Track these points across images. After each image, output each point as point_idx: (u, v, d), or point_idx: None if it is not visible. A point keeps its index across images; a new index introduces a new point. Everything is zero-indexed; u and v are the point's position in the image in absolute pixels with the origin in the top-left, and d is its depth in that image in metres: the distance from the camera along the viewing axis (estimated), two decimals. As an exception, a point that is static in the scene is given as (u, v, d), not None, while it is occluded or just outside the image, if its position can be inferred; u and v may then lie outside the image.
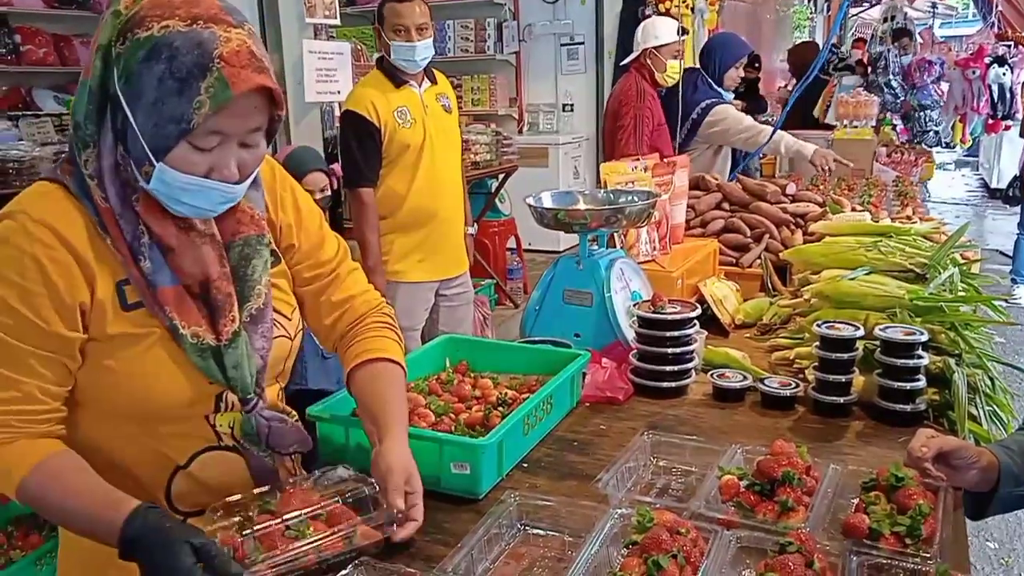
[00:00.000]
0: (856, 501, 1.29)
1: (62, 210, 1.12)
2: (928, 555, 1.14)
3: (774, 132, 3.91)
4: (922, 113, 6.73)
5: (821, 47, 8.47)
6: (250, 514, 1.15)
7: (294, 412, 1.41)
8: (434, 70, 3.23)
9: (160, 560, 1.02)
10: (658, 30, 3.90)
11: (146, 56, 1.04)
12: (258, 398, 1.26)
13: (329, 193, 2.99)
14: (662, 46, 3.87)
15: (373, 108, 2.99)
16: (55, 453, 1.13)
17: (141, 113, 1.07)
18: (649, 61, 3.88)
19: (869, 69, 6.62)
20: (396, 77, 3.07)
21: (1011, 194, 10.95)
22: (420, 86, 3.12)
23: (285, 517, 1.14)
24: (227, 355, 1.19)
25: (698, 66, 4.35)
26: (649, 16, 4.93)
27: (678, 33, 3.90)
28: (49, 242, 1.09)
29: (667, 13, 6.22)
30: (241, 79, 1.05)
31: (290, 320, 1.33)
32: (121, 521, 1.05)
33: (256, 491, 1.22)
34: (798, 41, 10.73)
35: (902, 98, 6.47)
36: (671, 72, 3.87)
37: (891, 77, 6.31)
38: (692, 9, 6.15)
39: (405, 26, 3.00)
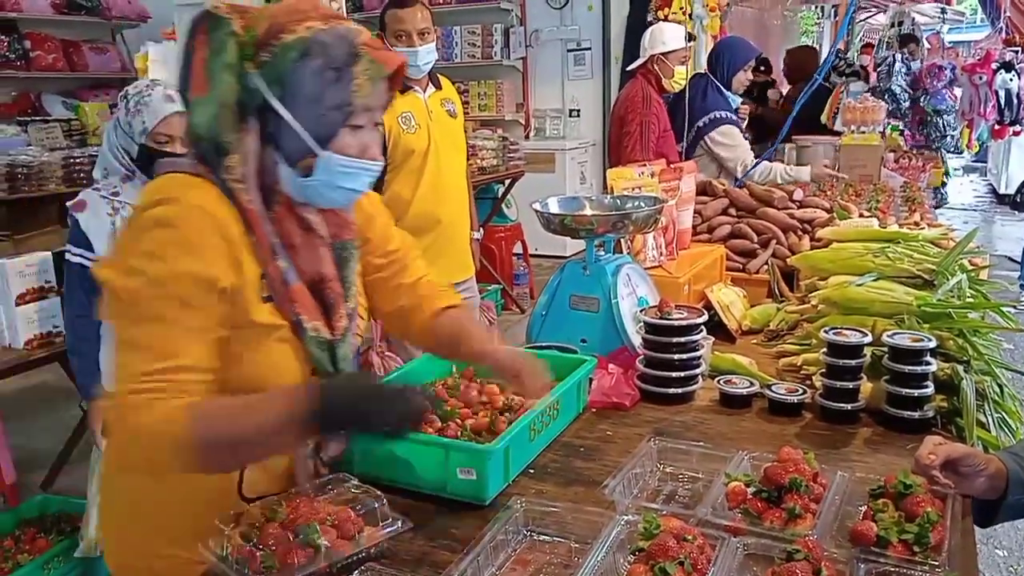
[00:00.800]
0: (864, 508, 1.29)
1: (215, 201, 1.19)
2: (936, 563, 1.13)
3: (775, 147, 3.91)
4: (939, 119, 6.71)
5: (826, 52, 8.48)
6: (258, 524, 1.16)
7: None
8: (439, 75, 3.24)
9: (369, 397, 1.16)
10: (666, 36, 3.90)
11: (299, 56, 1.17)
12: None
13: None
14: (669, 52, 3.87)
15: None
16: (198, 400, 1.14)
17: (301, 109, 1.18)
18: (656, 67, 3.88)
19: (875, 76, 6.60)
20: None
21: (1019, 200, 10.92)
22: (425, 91, 3.12)
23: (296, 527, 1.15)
24: (339, 348, 1.31)
25: (705, 71, 4.35)
26: (655, 22, 4.94)
27: (686, 39, 3.90)
28: (208, 226, 1.16)
29: (666, 19, 6.24)
30: (387, 59, 1.22)
31: (363, 321, 1.43)
32: (307, 400, 1.12)
33: (260, 501, 1.23)
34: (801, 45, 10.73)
35: (907, 104, 6.45)
36: (678, 78, 3.87)
37: (893, 82, 6.29)
38: (690, 16, 6.16)
39: (407, 31, 3.01)
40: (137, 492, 1.33)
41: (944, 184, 6.78)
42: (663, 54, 3.87)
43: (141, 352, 1.12)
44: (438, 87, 3.20)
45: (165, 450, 1.10)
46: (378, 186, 3.05)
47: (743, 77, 4.22)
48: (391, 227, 1.53)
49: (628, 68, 4.11)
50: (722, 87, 4.18)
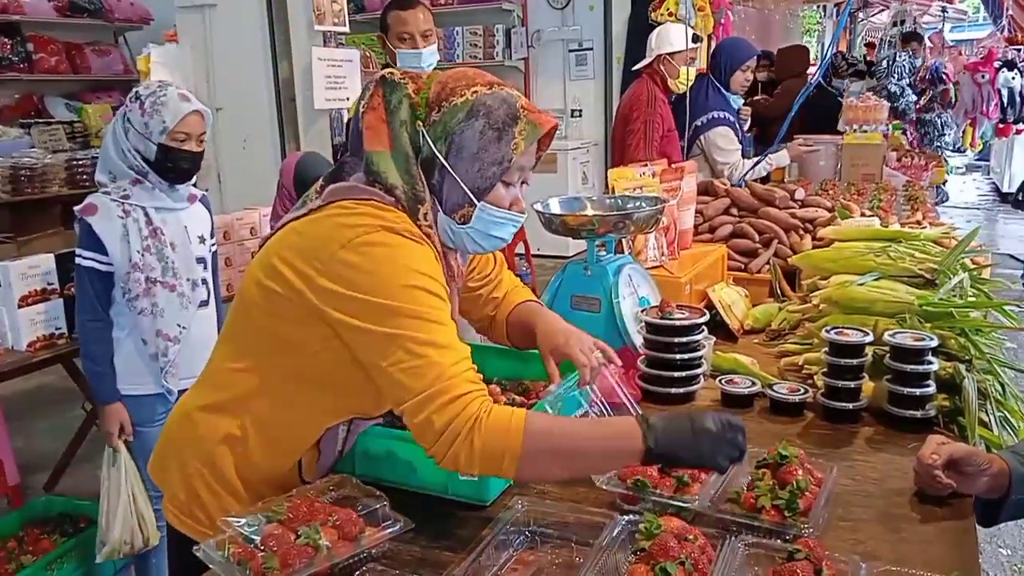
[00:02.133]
0: (749, 479, 1.36)
1: (417, 231, 1.30)
2: (804, 526, 1.22)
3: (776, 142, 3.91)
4: (936, 118, 6.71)
5: (819, 52, 8.46)
6: (259, 524, 1.16)
7: None
8: None
9: (701, 437, 1.22)
10: (672, 36, 3.91)
11: (465, 116, 1.29)
12: None
13: None
14: (676, 53, 3.87)
15: None
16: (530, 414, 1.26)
17: (463, 164, 1.31)
18: (662, 67, 3.89)
19: (875, 74, 6.60)
20: None
21: (1021, 199, 10.91)
22: None
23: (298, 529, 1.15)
24: None
25: (706, 71, 4.35)
26: (655, 23, 4.93)
27: (692, 40, 3.90)
28: (428, 247, 1.30)
29: (659, 20, 6.24)
30: (543, 121, 1.34)
31: None
32: (640, 440, 1.21)
33: (261, 502, 1.24)
34: (809, 45, 10.72)
35: (909, 102, 6.44)
36: (683, 79, 3.87)
37: (893, 81, 6.28)
38: (675, 16, 6.18)
39: (410, 33, 3.00)
40: (211, 453, 1.39)
41: (945, 182, 6.77)
42: (669, 54, 3.87)
43: (442, 350, 1.22)
44: None
45: (514, 438, 1.19)
46: None
47: (741, 77, 4.22)
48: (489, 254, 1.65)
49: (634, 68, 4.10)
50: (721, 87, 4.19)
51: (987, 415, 1.69)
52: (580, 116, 7.78)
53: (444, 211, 1.35)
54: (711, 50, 4.89)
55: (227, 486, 1.39)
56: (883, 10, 11.11)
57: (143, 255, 2.39)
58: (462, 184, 1.31)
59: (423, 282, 1.23)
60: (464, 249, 1.41)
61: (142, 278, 2.39)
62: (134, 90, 2.47)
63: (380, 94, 1.33)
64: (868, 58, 7.09)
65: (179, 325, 2.47)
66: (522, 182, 1.40)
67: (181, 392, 2.49)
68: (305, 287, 1.24)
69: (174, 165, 2.41)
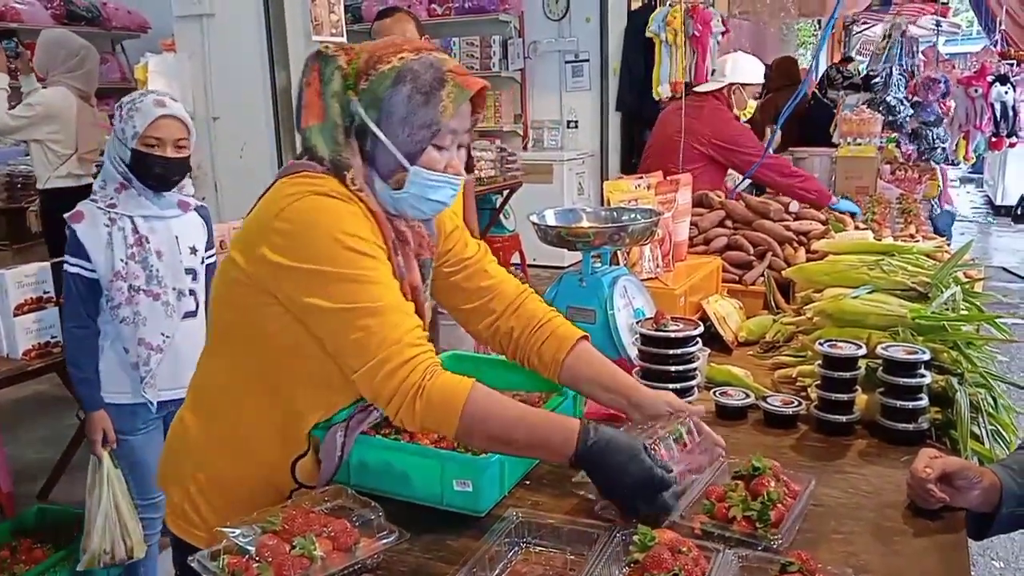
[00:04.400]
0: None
1: (350, 195, 1.32)
2: (774, 538, 1.23)
3: (764, 154, 3.95)
4: (929, 131, 6.74)
5: (822, 64, 8.50)
6: (253, 535, 1.16)
7: None
8: None
9: (628, 466, 1.25)
10: (748, 68, 4.00)
11: (392, 83, 1.31)
12: None
13: None
14: (748, 84, 3.93)
15: None
16: (472, 382, 1.30)
17: (393, 129, 1.32)
18: (732, 95, 3.94)
19: (873, 87, 6.63)
20: None
21: (1020, 212, 10.94)
22: None
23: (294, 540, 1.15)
24: None
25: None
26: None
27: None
28: (357, 207, 1.31)
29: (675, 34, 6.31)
30: (471, 83, 1.34)
31: None
32: (575, 438, 1.27)
33: (256, 512, 1.24)
34: (801, 58, 10.77)
35: (903, 115, 6.47)
36: (748, 110, 3.94)
37: (889, 94, 6.32)
38: (686, 36, 6.26)
39: None
40: (204, 456, 1.43)
41: (940, 194, 6.79)
42: (742, 84, 3.92)
43: (381, 316, 1.25)
44: None
45: (452, 417, 1.25)
46: None
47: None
48: (467, 237, 1.64)
49: (701, 89, 4.11)
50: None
51: (979, 428, 1.70)
52: (576, 127, 7.80)
53: (381, 178, 1.37)
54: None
55: (220, 490, 1.41)
56: (876, 24, 11.18)
57: (127, 263, 2.38)
58: (393, 150, 1.33)
59: (352, 242, 1.26)
60: (405, 215, 1.41)
61: (125, 286, 2.38)
62: (120, 100, 2.48)
63: (316, 69, 1.36)
64: (871, 71, 7.10)
65: (163, 334, 2.45)
66: (459, 146, 1.41)
67: (162, 404, 2.50)
68: (251, 266, 1.30)
69: (147, 171, 2.39)
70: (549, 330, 1.60)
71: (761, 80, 4.05)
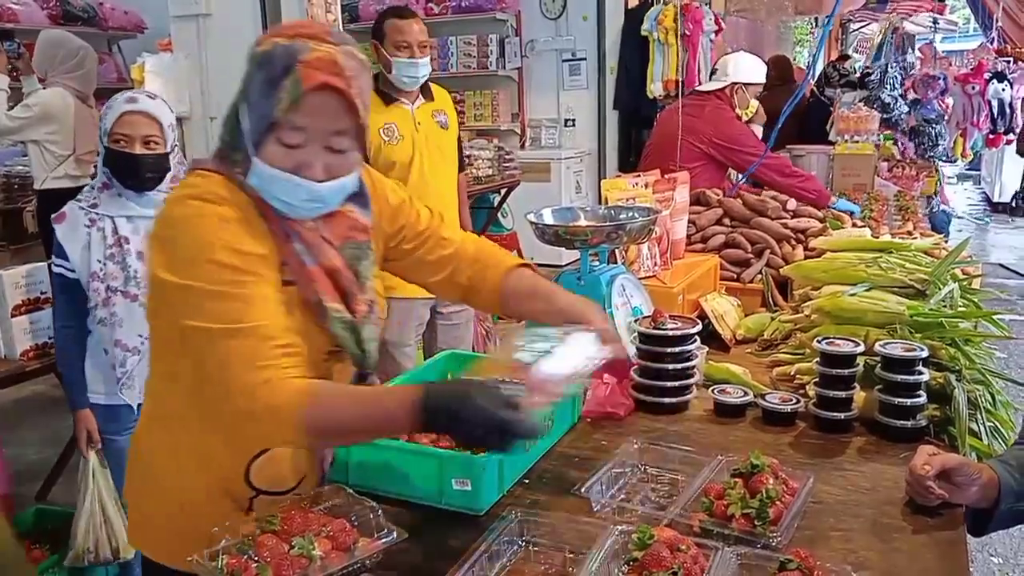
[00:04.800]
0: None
1: (234, 192, 1.26)
2: (773, 535, 1.23)
3: (766, 150, 3.95)
4: (931, 128, 6.76)
5: (819, 63, 8.50)
6: (252, 535, 1.16)
7: None
8: (432, 86, 3.24)
9: (473, 411, 1.13)
10: (751, 68, 4.00)
11: (255, 67, 1.24)
12: (373, 376, 1.40)
13: None
14: (750, 84, 3.94)
15: None
16: (313, 382, 1.22)
17: (247, 115, 1.25)
18: (735, 95, 3.95)
19: (868, 85, 6.65)
20: (386, 95, 3.08)
21: (1015, 205, 10.96)
22: (413, 103, 3.13)
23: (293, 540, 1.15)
24: (364, 330, 1.34)
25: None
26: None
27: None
28: (232, 213, 1.24)
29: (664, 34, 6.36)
30: (312, 77, 1.20)
31: (382, 313, 1.44)
32: (412, 404, 1.15)
33: (254, 515, 1.24)
34: (798, 56, 10.79)
35: (900, 113, 6.49)
36: (751, 109, 3.95)
37: (885, 91, 6.33)
38: (678, 35, 6.30)
39: (408, 43, 3.02)
40: (159, 469, 1.40)
41: (937, 193, 6.81)
42: (744, 84, 3.93)
43: (237, 339, 1.17)
44: (430, 99, 3.20)
45: (288, 431, 1.18)
46: None
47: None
48: (418, 208, 1.57)
49: (703, 89, 4.11)
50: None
51: (977, 425, 1.70)
52: (573, 125, 7.79)
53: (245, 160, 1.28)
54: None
55: (178, 505, 1.38)
56: (873, 21, 11.19)
57: (104, 264, 2.35)
58: (246, 136, 1.26)
59: (215, 254, 1.19)
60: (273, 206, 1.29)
61: (102, 287, 2.36)
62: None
63: None
64: (867, 69, 7.12)
65: (140, 336, 2.40)
66: (330, 148, 1.26)
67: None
68: (151, 275, 1.27)
69: (119, 169, 2.34)
70: (490, 263, 1.56)
71: (763, 80, 4.05)
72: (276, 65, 1.22)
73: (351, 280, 1.35)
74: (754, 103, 4.02)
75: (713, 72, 4.28)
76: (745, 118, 4.00)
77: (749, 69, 4.00)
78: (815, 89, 7.16)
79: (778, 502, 1.30)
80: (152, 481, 1.41)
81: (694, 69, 6.38)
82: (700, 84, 4.79)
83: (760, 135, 4.67)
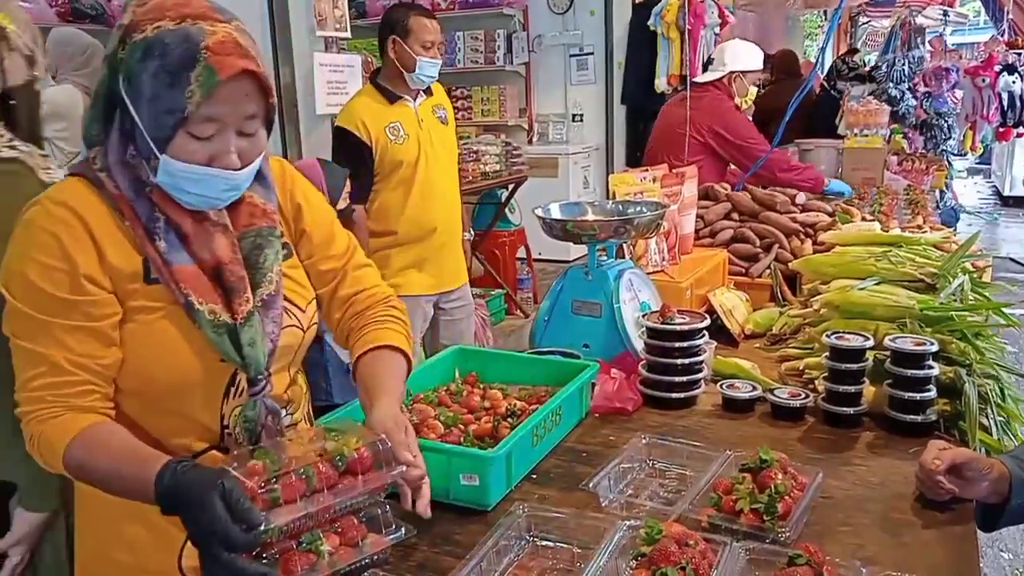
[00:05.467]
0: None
1: (82, 195, 1.19)
2: (782, 530, 1.23)
3: (774, 144, 3.93)
4: (943, 121, 6.72)
5: (828, 57, 8.46)
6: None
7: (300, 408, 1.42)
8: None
9: (196, 514, 1.01)
10: (747, 55, 3.99)
11: (142, 56, 1.13)
12: (267, 382, 1.28)
13: (349, 201, 2.98)
14: (748, 72, 3.93)
15: (363, 125, 2.99)
16: (96, 423, 1.17)
17: (143, 110, 1.15)
18: (733, 84, 3.94)
19: (876, 78, 6.62)
20: (390, 93, 3.08)
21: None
22: (415, 100, 3.13)
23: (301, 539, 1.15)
24: (242, 333, 1.23)
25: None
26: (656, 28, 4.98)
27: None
28: (68, 220, 1.17)
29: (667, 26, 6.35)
30: (226, 65, 1.12)
31: (303, 312, 1.36)
32: (153, 478, 1.06)
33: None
34: (808, 49, 10.73)
35: (910, 106, 6.46)
36: (749, 97, 3.93)
37: (892, 85, 6.30)
38: (682, 31, 6.32)
39: (433, 42, 3.04)
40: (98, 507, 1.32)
41: (947, 187, 6.78)
42: (742, 72, 3.91)
43: (35, 367, 1.15)
44: (429, 93, 3.20)
45: (54, 462, 1.15)
46: (366, 196, 3.06)
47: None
48: (337, 230, 1.45)
49: (700, 80, 4.09)
50: None
51: (988, 419, 1.69)
52: (581, 121, 7.79)
53: (143, 160, 1.19)
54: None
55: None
56: (884, 17, 11.12)
57: None
58: (144, 132, 1.16)
59: (35, 273, 1.15)
60: (180, 202, 1.21)
61: None
62: None
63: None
64: (875, 63, 7.09)
65: None
66: (241, 133, 1.19)
67: None
68: None
69: None
70: (363, 331, 1.41)
71: (760, 66, 4.03)
72: (173, 53, 1.11)
73: (238, 275, 1.25)
74: (753, 90, 3.99)
75: (710, 62, 4.27)
76: (744, 106, 3.98)
77: (745, 56, 3.98)
78: (825, 83, 7.13)
79: (787, 497, 1.29)
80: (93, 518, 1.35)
81: (695, 63, 6.38)
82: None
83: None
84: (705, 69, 4.24)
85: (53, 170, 1.48)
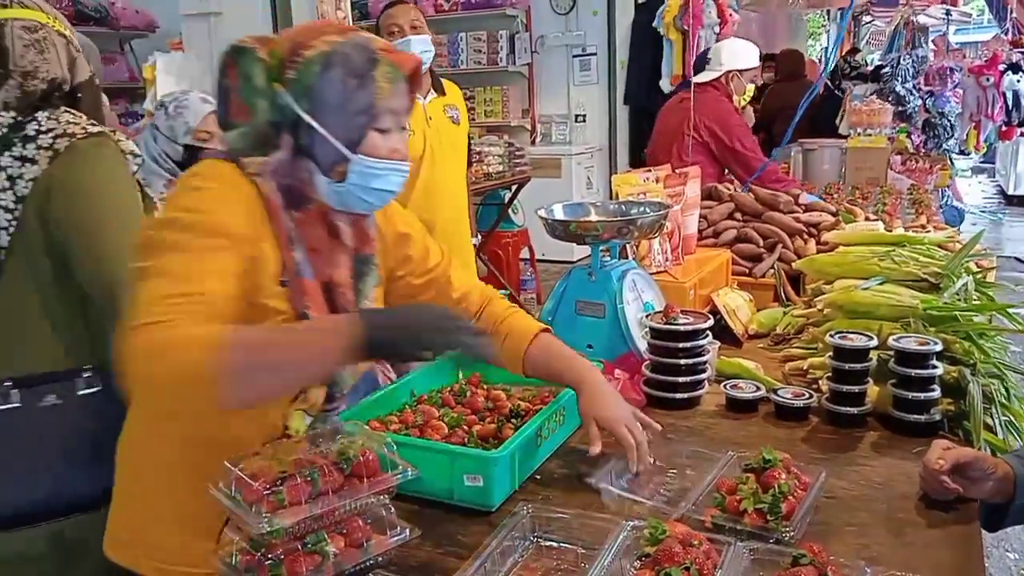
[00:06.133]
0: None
1: (243, 180, 1.25)
2: (787, 530, 1.23)
3: (782, 145, 3.92)
4: (947, 120, 6.71)
5: (823, 55, 8.45)
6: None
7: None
8: (443, 81, 3.24)
9: (416, 321, 1.18)
10: (744, 53, 3.98)
11: (322, 68, 1.23)
12: (342, 399, 1.37)
13: None
14: (745, 70, 3.92)
15: None
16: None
17: (329, 117, 1.25)
18: (731, 83, 3.93)
19: (882, 77, 6.61)
20: None
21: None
22: (425, 97, 3.13)
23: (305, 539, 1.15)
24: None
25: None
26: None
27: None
28: (238, 193, 1.24)
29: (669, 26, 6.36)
30: (403, 61, 1.29)
31: None
32: (347, 323, 1.17)
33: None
34: (811, 49, 10.72)
35: (914, 105, 6.45)
36: (747, 95, 3.93)
37: (899, 84, 6.29)
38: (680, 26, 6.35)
39: (399, 25, 3.05)
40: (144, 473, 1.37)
41: (949, 186, 6.78)
42: (739, 71, 3.91)
43: (165, 278, 1.13)
44: (441, 92, 3.20)
45: (192, 368, 1.06)
46: None
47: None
48: (428, 241, 1.56)
49: (698, 80, 4.06)
50: None
51: (992, 419, 1.69)
52: (584, 121, 7.79)
53: (321, 172, 1.28)
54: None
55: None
56: (888, 16, 11.10)
57: None
58: (332, 139, 1.25)
59: (191, 218, 1.18)
60: (354, 209, 1.33)
61: None
62: (160, 99, 2.55)
63: (232, 65, 1.28)
64: (879, 63, 7.08)
65: None
66: (401, 128, 1.33)
67: None
68: None
69: None
70: (508, 328, 1.56)
71: (757, 63, 4.01)
72: (355, 59, 1.24)
73: (349, 297, 1.34)
74: (751, 87, 3.97)
75: (707, 61, 4.26)
76: (742, 104, 3.96)
77: (742, 55, 3.96)
78: (828, 83, 7.12)
79: (790, 497, 1.29)
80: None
81: (690, 63, 6.43)
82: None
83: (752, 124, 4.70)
84: (698, 69, 4.23)
85: (125, 141, 1.63)
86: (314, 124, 1.24)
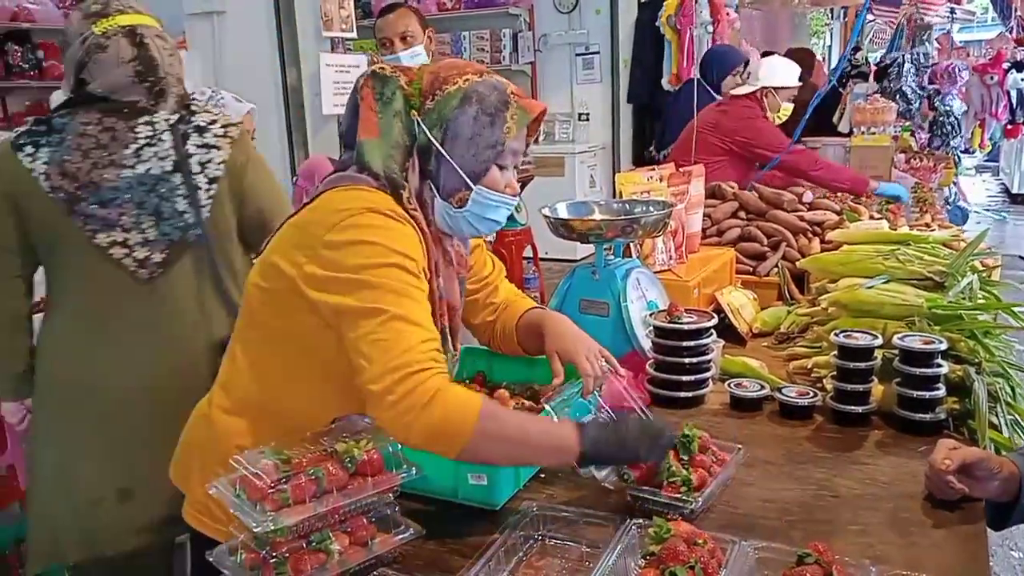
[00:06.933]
0: None
1: (404, 211, 1.34)
2: (689, 500, 1.31)
3: (793, 142, 3.90)
4: (954, 118, 6.69)
5: (835, 55, 8.44)
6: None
7: None
8: None
9: (624, 438, 1.30)
10: (783, 72, 3.95)
11: (459, 103, 1.35)
12: None
13: None
14: (781, 88, 3.91)
15: None
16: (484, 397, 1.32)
17: (459, 149, 1.36)
18: (765, 99, 3.91)
19: (887, 76, 6.59)
20: None
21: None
22: None
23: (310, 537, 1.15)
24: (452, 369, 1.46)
25: (696, 78, 4.45)
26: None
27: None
28: (412, 229, 1.33)
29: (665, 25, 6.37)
30: (532, 105, 1.41)
31: None
32: (573, 433, 1.27)
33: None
34: (814, 48, 10.69)
35: (918, 104, 6.42)
36: (782, 113, 3.91)
37: (903, 83, 6.27)
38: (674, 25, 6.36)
39: (388, 38, 3.06)
40: (226, 457, 1.36)
41: (954, 184, 6.75)
42: (775, 88, 3.90)
43: (409, 324, 1.23)
44: None
45: (458, 428, 1.19)
46: None
47: (731, 81, 4.31)
48: (485, 253, 1.69)
49: (735, 92, 4.04)
50: (713, 92, 4.33)
51: (997, 418, 1.69)
52: (587, 120, 7.77)
53: (441, 196, 1.39)
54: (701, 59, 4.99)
55: None
56: (891, 15, 11.08)
57: None
58: (458, 169, 1.36)
59: (401, 260, 1.26)
60: (461, 233, 1.45)
61: None
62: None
63: (370, 86, 1.39)
64: (882, 61, 7.04)
65: None
66: (515, 167, 1.45)
67: None
68: (296, 275, 1.29)
69: None
70: (511, 310, 1.69)
71: (796, 83, 3.96)
72: (490, 100, 1.36)
73: (459, 322, 1.49)
74: (787, 106, 3.94)
75: (702, 66, 4.24)
76: (777, 122, 3.93)
77: (780, 74, 3.93)
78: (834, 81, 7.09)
79: (703, 471, 1.38)
80: (222, 465, 1.38)
81: (682, 63, 6.46)
82: (691, 76, 4.75)
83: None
84: (703, 71, 4.23)
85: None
86: (444, 153, 1.36)
